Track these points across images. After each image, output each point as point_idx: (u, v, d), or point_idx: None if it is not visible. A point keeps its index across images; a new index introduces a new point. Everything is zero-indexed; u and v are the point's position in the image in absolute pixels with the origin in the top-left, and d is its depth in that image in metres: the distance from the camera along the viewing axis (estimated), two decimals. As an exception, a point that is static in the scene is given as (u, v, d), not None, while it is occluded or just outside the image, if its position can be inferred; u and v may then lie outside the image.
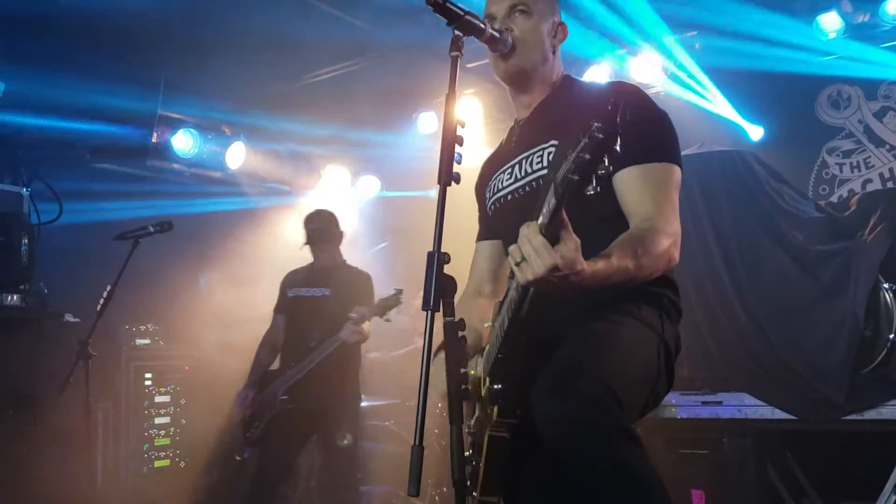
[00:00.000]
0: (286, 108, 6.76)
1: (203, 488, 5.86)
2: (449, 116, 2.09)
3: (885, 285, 4.42)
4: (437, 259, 1.95)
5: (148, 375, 6.26)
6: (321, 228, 5.27)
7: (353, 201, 8.22)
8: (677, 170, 2.28)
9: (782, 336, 4.61)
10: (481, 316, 2.58)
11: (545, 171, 2.26)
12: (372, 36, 5.82)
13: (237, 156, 7.04)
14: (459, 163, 2.09)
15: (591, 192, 1.65)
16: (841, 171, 6.21)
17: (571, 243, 1.79)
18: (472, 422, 2.40)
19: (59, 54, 5.36)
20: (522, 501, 2.25)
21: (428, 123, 7.20)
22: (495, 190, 2.57)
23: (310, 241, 5.27)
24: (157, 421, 6.23)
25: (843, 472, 4.61)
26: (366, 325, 4.91)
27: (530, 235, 1.79)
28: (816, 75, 6.26)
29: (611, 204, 2.24)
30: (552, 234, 1.77)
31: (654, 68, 6.56)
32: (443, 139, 2.08)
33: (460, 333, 2.00)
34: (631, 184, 2.22)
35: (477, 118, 6.84)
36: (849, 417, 4.30)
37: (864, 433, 4.37)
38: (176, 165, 6.68)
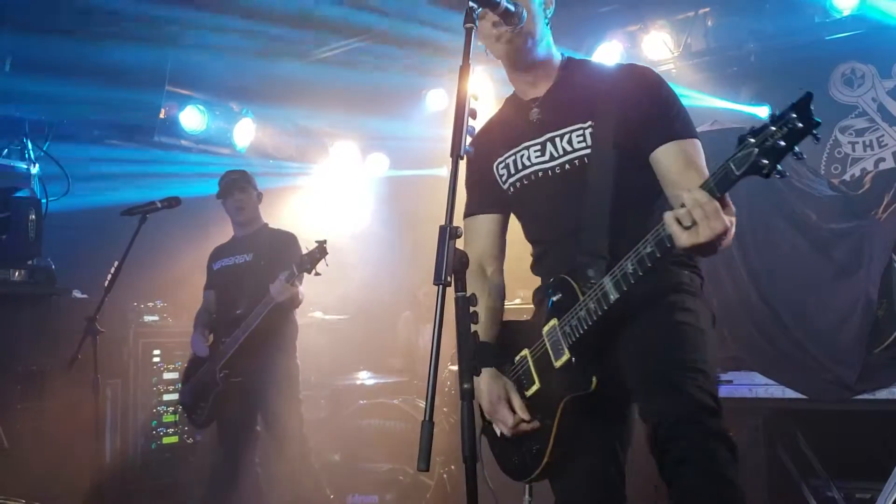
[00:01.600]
0: (295, 85, 6.72)
1: (211, 464, 5.88)
2: (462, 89, 2.06)
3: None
4: (449, 232, 1.92)
5: (156, 352, 6.27)
6: (235, 180, 5.11)
7: (362, 179, 8.20)
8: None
9: (794, 315, 4.58)
10: (490, 295, 2.63)
11: (588, 151, 2.37)
12: (381, 11, 5.77)
13: (245, 132, 7.01)
14: (472, 136, 2.06)
15: (765, 172, 1.85)
16: (854, 150, 6.14)
17: (731, 216, 1.98)
18: (530, 393, 2.43)
19: (66, 31, 5.33)
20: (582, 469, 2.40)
21: (437, 100, 7.15)
22: (519, 166, 2.56)
23: (221, 195, 5.12)
24: (166, 398, 6.24)
25: (853, 452, 4.59)
26: (297, 285, 4.75)
27: (702, 201, 1.91)
28: (830, 53, 6.19)
29: (651, 177, 2.37)
30: (719, 200, 1.93)
31: (665, 46, 6.50)
32: (456, 112, 2.05)
33: (472, 309, 1.98)
34: (675, 158, 2.32)
35: (489, 94, 6.79)
36: (860, 397, 4.27)
37: (875, 413, 4.35)
38: (184, 142, 6.66)
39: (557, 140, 2.47)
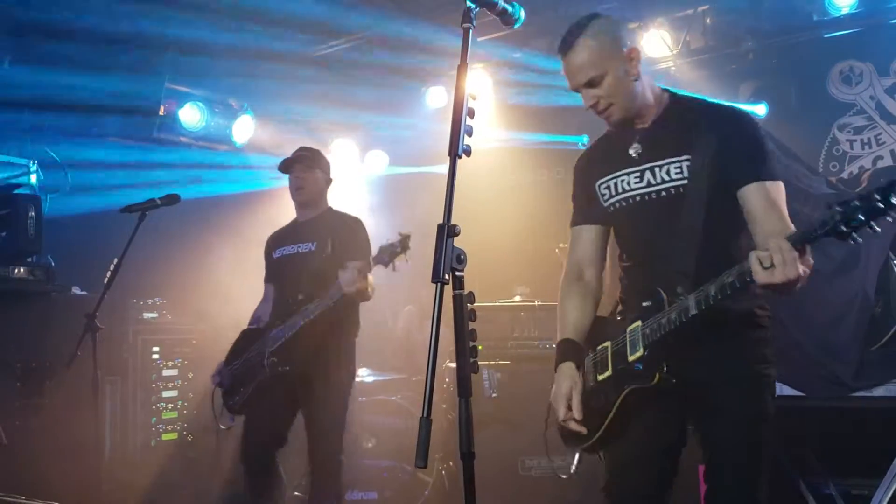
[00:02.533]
0: (294, 82, 6.72)
1: (210, 462, 5.89)
2: (460, 88, 2.08)
3: (895, 262, 4.39)
4: (447, 231, 1.93)
5: (155, 349, 6.28)
6: (302, 156, 4.71)
7: (361, 176, 8.20)
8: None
9: (791, 312, 4.58)
10: (585, 296, 2.93)
11: (685, 182, 2.67)
12: (382, 9, 5.78)
13: (244, 129, 7.01)
14: (471, 135, 2.07)
15: (843, 237, 2.11)
16: (852, 148, 6.16)
17: (807, 267, 2.25)
18: (602, 378, 2.75)
19: (65, 28, 5.33)
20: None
21: (437, 98, 7.16)
22: (619, 189, 2.82)
23: (283, 169, 4.68)
24: (165, 394, 6.25)
25: (850, 448, 4.61)
26: (369, 278, 4.24)
27: (784, 248, 2.19)
28: (828, 51, 6.20)
29: (736, 210, 2.66)
30: (799, 251, 2.21)
31: (664, 44, 6.51)
32: (454, 111, 2.07)
33: (469, 307, 1.99)
34: (760, 198, 2.62)
35: (487, 92, 6.81)
36: (857, 394, 4.29)
37: (872, 410, 4.36)
38: (183, 138, 6.67)
39: (657, 170, 2.73)
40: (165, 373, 6.30)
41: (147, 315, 6.32)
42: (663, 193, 2.72)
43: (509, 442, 5.14)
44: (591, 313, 2.93)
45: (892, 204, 2.07)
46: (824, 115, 6.29)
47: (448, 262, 1.94)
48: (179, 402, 6.35)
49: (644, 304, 2.64)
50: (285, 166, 4.72)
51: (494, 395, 5.31)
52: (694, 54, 6.54)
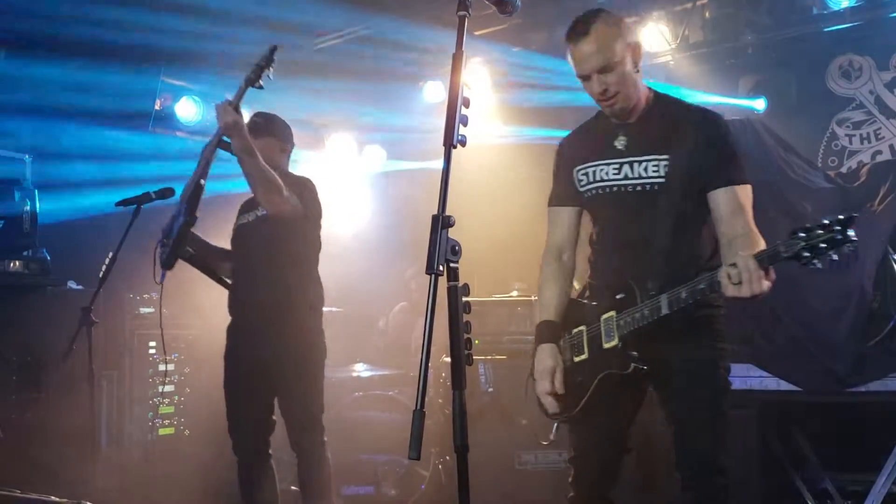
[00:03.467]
0: (291, 76, 6.69)
1: (207, 456, 5.88)
2: (455, 78, 2.06)
3: (894, 257, 4.38)
4: (442, 222, 1.92)
5: (152, 344, 6.26)
6: (258, 122, 4.43)
7: (358, 171, 8.18)
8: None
9: (788, 307, 4.58)
10: (565, 279, 3.10)
11: (662, 180, 2.82)
12: (379, 3, 5.76)
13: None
14: (466, 125, 2.05)
15: (804, 262, 2.33)
16: (850, 143, 6.15)
17: (769, 281, 2.45)
18: (578, 360, 2.96)
19: (62, 21, 5.31)
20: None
21: (434, 92, 7.14)
22: (596, 178, 2.96)
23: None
24: (161, 389, 6.23)
25: (847, 444, 4.60)
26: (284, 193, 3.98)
27: (751, 268, 2.41)
28: (828, 45, 6.18)
29: (704, 209, 2.86)
30: (764, 270, 2.42)
31: (663, 38, 6.49)
32: (449, 101, 2.05)
33: (464, 299, 1.98)
34: (728, 202, 2.80)
35: (484, 85, 6.79)
36: (854, 389, 4.28)
37: (868, 405, 4.36)
38: (179, 133, 6.65)
39: (636, 165, 2.87)
40: (162, 367, 6.27)
41: (143, 309, 6.29)
42: (638, 188, 2.88)
43: (505, 436, 5.14)
44: (568, 294, 3.11)
45: (849, 237, 2.28)
46: (823, 110, 6.27)
47: (442, 253, 1.92)
48: (176, 397, 6.33)
49: (618, 296, 2.84)
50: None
51: (490, 389, 5.30)
52: (693, 48, 6.52)
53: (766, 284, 2.43)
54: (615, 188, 2.92)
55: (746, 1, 6.29)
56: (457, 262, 1.97)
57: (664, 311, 2.68)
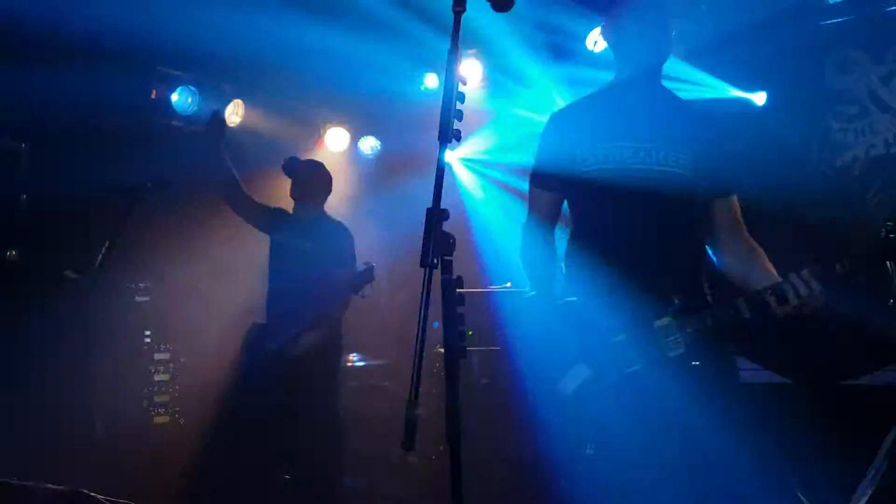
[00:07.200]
0: (288, 66, 6.68)
1: (203, 445, 5.90)
2: (451, 73, 2.07)
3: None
4: (436, 216, 1.93)
5: (147, 332, 6.26)
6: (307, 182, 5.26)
7: (354, 160, 8.18)
8: None
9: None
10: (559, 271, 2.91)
11: (678, 171, 2.72)
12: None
13: (237, 114, 6.96)
14: (461, 120, 2.07)
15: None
16: (845, 137, 6.16)
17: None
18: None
19: (55, 11, 5.29)
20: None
21: (431, 84, 7.13)
22: (608, 158, 2.76)
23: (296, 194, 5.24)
24: (157, 378, 6.24)
25: (838, 437, 4.63)
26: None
27: (812, 282, 2.54)
28: (824, 39, 6.18)
29: (699, 210, 2.81)
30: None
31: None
32: (444, 96, 2.06)
33: (458, 291, 1.99)
34: (730, 211, 2.82)
35: (478, 79, 6.79)
36: (845, 383, 4.31)
37: (860, 398, 4.39)
38: (174, 122, 6.63)
39: (654, 152, 2.74)
40: (157, 356, 6.28)
41: (139, 298, 6.30)
42: (654, 175, 2.73)
43: (499, 428, 5.17)
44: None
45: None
46: (818, 104, 6.27)
47: (437, 246, 1.94)
48: (171, 386, 6.34)
49: (676, 300, 2.69)
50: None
51: (485, 381, 5.33)
52: (688, 42, 6.50)
53: (822, 301, 2.58)
54: (630, 171, 2.75)
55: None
56: (451, 255, 1.99)
57: (746, 315, 2.65)
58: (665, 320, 2.69)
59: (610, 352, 2.72)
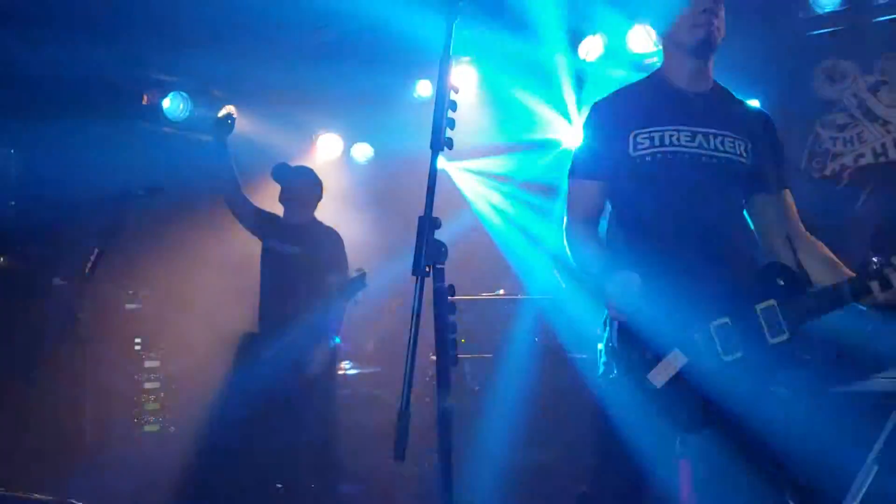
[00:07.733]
0: (280, 73, 6.68)
1: (192, 453, 5.88)
2: (443, 82, 2.08)
3: (874, 259, 4.42)
4: (428, 224, 1.94)
5: (137, 340, 6.23)
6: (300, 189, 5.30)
7: (346, 167, 8.17)
8: None
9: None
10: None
11: (744, 161, 2.73)
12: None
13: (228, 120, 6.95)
14: (452, 129, 2.07)
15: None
16: (834, 146, 6.18)
17: None
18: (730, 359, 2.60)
19: (47, 14, 5.28)
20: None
21: (424, 91, 7.14)
22: (664, 142, 2.70)
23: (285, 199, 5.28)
24: (147, 386, 6.21)
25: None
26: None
27: None
28: (813, 48, 6.22)
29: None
30: None
31: (649, 39, 6.51)
32: (436, 104, 2.07)
33: (450, 299, 2.00)
34: (789, 205, 2.83)
35: (471, 86, 6.80)
36: (835, 389, 4.32)
37: (849, 404, 4.39)
38: (166, 128, 6.62)
39: (712, 138, 2.71)
40: (147, 364, 6.25)
41: (129, 305, 6.27)
42: (714, 161, 2.70)
43: (491, 435, 5.16)
44: None
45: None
46: (807, 113, 6.30)
47: (429, 254, 1.94)
48: (161, 394, 6.31)
49: (780, 281, 2.59)
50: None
51: (476, 388, 5.32)
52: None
53: None
54: (688, 156, 2.69)
55: (732, 3, 6.29)
56: (443, 263, 1.99)
57: (849, 300, 2.57)
58: (769, 302, 2.56)
59: (709, 338, 2.56)
